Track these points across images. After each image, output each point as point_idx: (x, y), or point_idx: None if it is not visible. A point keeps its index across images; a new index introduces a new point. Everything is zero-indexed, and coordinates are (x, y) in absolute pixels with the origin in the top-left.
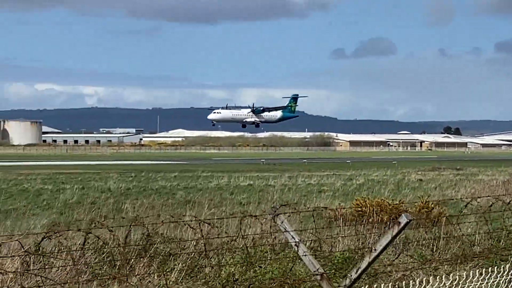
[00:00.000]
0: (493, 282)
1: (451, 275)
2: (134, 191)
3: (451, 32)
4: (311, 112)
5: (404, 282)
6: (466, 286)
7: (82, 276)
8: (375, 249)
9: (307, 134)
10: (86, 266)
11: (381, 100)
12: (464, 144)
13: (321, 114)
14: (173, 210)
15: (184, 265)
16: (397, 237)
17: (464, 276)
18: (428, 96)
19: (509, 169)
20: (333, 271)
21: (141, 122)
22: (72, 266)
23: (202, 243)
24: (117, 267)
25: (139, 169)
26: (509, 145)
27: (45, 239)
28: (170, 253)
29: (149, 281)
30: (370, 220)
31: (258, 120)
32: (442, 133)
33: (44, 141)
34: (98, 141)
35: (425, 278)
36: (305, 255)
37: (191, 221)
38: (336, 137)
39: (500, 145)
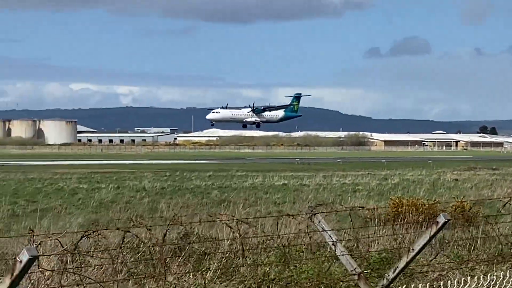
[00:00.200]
0: None
1: (488, 275)
2: (168, 190)
3: (486, 30)
4: (345, 111)
5: (441, 282)
6: (503, 286)
7: (118, 276)
8: (413, 249)
9: (342, 134)
10: (122, 265)
11: (416, 99)
12: (500, 144)
13: (356, 114)
14: (208, 209)
15: (219, 264)
16: (435, 237)
17: (501, 276)
18: (463, 95)
19: None
20: (369, 271)
21: (176, 122)
22: (109, 265)
23: (237, 242)
24: (152, 266)
25: (173, 169)
26: None
27: (84, 238)
28: (205, 252)
29: (185, 280)
30: (405, 220)
31: (259, 120)
32: (477, 132)
33: (79, 140)
34: (133, 141)
35: (462, 278)
36: (343, 255)
37: (228, 220)
38: (370, 137)
39: None
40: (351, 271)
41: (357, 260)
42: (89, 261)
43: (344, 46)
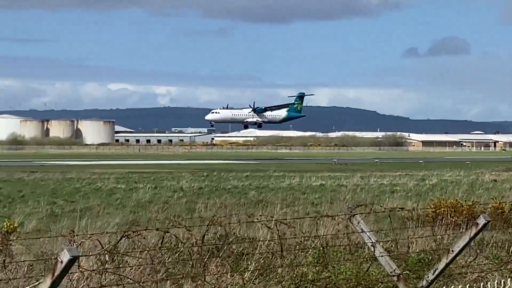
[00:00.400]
0: None
1: None
2: (206, 190)
3: None
4: (383, 111)
5: (481, 283)
6: None
7: (157, 276)
8: (452, 250)
9: (379, 134)
10: (161, 265)
11: (454, 99)
12: None
13: (393, 114)
14: (245, 209)
15: (257, 264)
16: (474, 238)
17: None
18: (502, 95)
19: None
20: (407, 272)
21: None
22: (147, 265)
23: (275, 242)
24: (191, 266)
25: (211, 169)
26: None
27: (124, 238)
28: (243, 252)
29: (223, 281)
30: (444, 221)
31: (260, 120)
32: None
33: (117, 140)
34: (170, 141)
35: (501, 280)
36: (382, 256)
37: (267, 220)
38: (408, 137)
39: None
40: (391, 272)
41: (396, 261)
42: (127, 261)
43: (382, 46)
